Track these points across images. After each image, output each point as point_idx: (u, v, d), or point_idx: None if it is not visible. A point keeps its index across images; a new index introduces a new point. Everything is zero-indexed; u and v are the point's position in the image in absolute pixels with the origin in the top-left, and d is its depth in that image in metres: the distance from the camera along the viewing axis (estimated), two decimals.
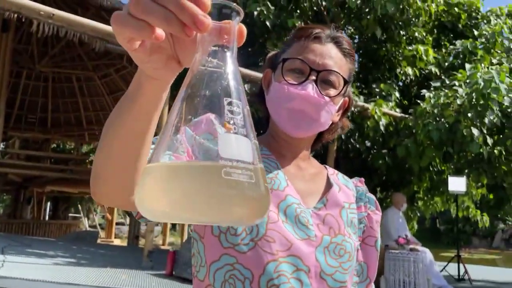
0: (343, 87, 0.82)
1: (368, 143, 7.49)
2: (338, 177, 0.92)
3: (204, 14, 0.35)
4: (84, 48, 10.56)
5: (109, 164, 0.53)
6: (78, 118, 13.64)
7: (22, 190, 12.29)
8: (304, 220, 0.78)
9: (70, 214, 19.69)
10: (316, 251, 0.76)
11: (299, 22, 6.64)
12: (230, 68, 0.38)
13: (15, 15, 6.01)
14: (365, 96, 7.05)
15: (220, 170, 0.33)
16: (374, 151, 7.73)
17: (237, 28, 0.39)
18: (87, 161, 12.18)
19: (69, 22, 4.99)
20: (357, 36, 8.26)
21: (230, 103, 0.36)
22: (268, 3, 6.20)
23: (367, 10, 6.69)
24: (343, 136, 6.68)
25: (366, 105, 6.73)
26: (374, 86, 7.23)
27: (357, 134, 7.11)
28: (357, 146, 7.39)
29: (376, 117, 6.57)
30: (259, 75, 5.51)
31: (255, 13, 6.07)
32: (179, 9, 0.35)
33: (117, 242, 14.51)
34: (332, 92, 0.80)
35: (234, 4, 0.38)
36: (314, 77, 0.79)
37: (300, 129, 0.81)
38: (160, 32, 0.37)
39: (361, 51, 8.17)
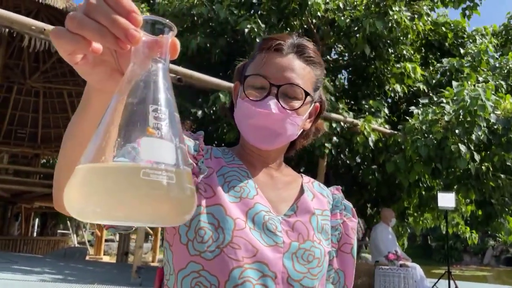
0: (305, 98, 0.81)
1: (358, 159, 7.55)
2: (313, 185, 0.93)
3: (135, 28, 0.38)
4: None
5: (65, 172, 0.54)
6: None
7: (10, 206, 12.11)
8: (272, 227, 0.79)
9: (59, 231, 19.38)
10: (283, 257, 0.77)
11: None
12: (160, 78, 0.40)
13: (7, 30, 6.02)
14: (355, 112, 7.13)
15: (139, 171, 0.35)
16: (364, 166, 7.79)
17: (170, 41, 0.41)
18: None
19: None
20: (346, 54, 8.40)
21: (155, 110, 0.38)
22: (259, 21, 6.30)
23: (356, 28, 6.82)
24: (333, 152, 6.72)
25: (355, 121, 6.81)
26: (363, 102, 7.32)
27: (347, 150, 7.16)
28: (347, 162, 7.43)
29: (365, 133, 6.64)
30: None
31: (246, 30, 6.16)
32: (111, 24, 0.38)
33: (106, 259, 14.27)
34: (296, 103, 0.81)
35: (167, 20, 0.41)
36: (275, 91, 0.79)
37: (266, 143, 0.83)
38: (97, 45, 0.40)
39: (350, 68, 8.30)
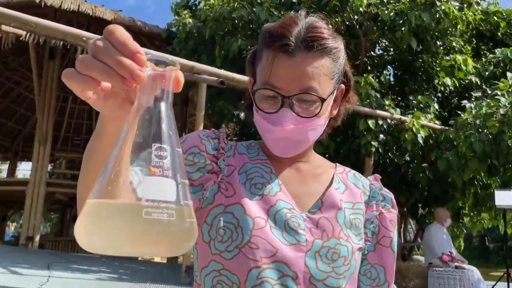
0: (328, 96, 0.75)
1: (407, 157, 7.29)
2: (347, 176, 0.88)
3: (140, 68, 0.40)
4: None
5: (83, 192, 0.57)
6: None
7: (68, 209, 12.83)
8: (293, 224, 0.76)
9: None
10: (305, 256, 0.74)
11: None
12: (164, 113, 0.42)
13: (61, 43, 6.40)
14: (402, 109, 6.90)
15: (141, 210, 0.38)
16: (414, 164, 7.51)
17: (173, 76, 0.43)
18: None
19: None
20: (391, 49, 8.15)
21: (158, 148, 0.40)
22: None
23: (400, 22, 6.60)
24: (380, 150, 6.54)
25: (403, 117, 6.59)
26: (411, 98, 7.07)
27: (394, 148, 6.95)
28: (396, 160, 7.20)
29: (414, 129, 6.40)
30: None
31: None
32: (117, 65, 0.40)
33: (157, 259, 14.74)
34: (314, 107, 0.75)
35: (170, 58, 0.43)
36: (288, 101, 0.74)
37: (289, 153, 0.79)
38: (105, 84, 0.43)
39: (396, 63, 8.04)
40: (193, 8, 8.30)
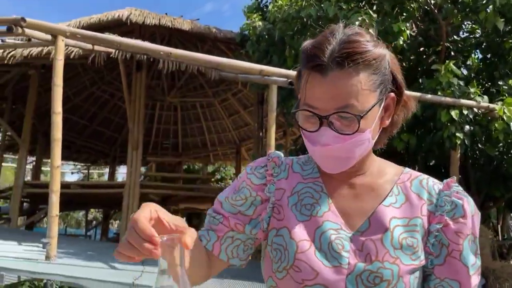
0: (368, 110, 0.73)
1: (500, 148, 6.68)
2: (411, 184, 0.82)
3: (154, 247, 0.57)
4: (204, 77, 11.60)
5: None
6: (203, 141, 14.92)
7: None
8: (337, 247, 0.76)
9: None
10: (346, 280, 0.74)
11: (407, 25, 6.34)
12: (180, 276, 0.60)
13: (145, 56, 6.96)
14: (491, 96, 6.33)
15: None
16: (509, 155, 6.85)
17: (182, 239, 0.60)
18: (212, 180, 13.22)
19: (185, 58, 5.61)
20: (478, 31, 7.49)
21: None
22: (370, 11, 6.06)
23: (484, 2, 6.06)
24: (466, 142, 6.07)
25: (491, 105, 6.05)
26: (501, 83, 6.45)
27: (483, 138, 6.39)
28: (487, 151, 6.63)
29: (505, 117, 5.85)
30: None
31: (357, 23, 6.00)
32: (140, 247, 0.58)
33: None
34: (354, 124, 0.73)
35: (174, 237, 0.60)
36: (326, 121, 0.74)
37: (335, 170, 0.79)
38: (138, 257, 0.60)
39: (483, 46, 7.38)
40: (264, 9, 8.45)
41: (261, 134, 9.49)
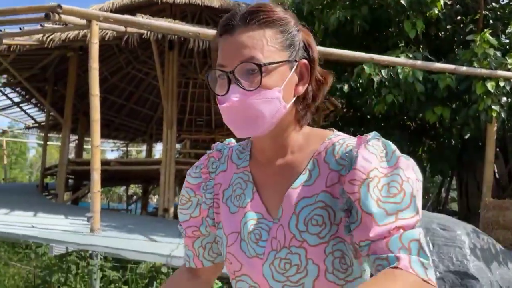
0: (262, 68, 0.71)
1: None
2: (326, 153, 0.77)
3: None
4: None
5: None
6: None
7: None
8: (254, 237, 0.78)
9: None
10: (263, 268, 0.76)
11: None
12: None
13: (176, 36, 7.09)
14: None
15: None
16: None
17: None
18: None
19: (213, 37, 5.69)
20: None
21: None
22: None
23: None
24: (503, 114, 5.87)
25: None
26: None
27: None
28: None
29: None
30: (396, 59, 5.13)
31: None
32: None
33: None
34: (263, 79, 0.72)
35: None
36: (233, 77, 0.73)
37: (247, 132, 0.75)
38: None
39: None
40: None
41: None
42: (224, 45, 0.75)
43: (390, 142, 0.74)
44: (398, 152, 0.72)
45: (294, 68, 0.76)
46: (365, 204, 0.67)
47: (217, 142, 0.92)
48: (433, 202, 11.13)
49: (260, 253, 0.77)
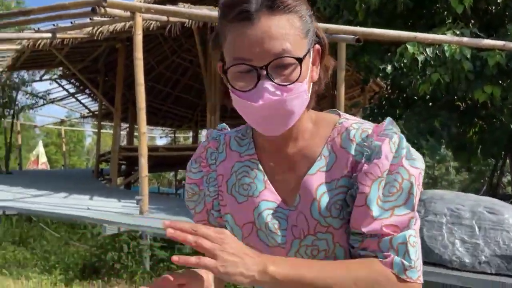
0: (304, 56, 0.68)
1: None
2: (341, 138, 0.76)
3: None
4: None
5: None
6: None
7: None
8: (273, 226, 0.75)
9: None
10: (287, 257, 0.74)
11: None
12: None
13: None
14: None
15: None
16: None
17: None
18: None
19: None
20: None
21: None
22: None
23: None
24: None
25: None
26: None
27: None
28: None
29: None
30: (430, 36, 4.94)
31: None
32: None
33: None
34: (294, 72, 0.69)
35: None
36: (264, 72, 0.67)
37: (277, 130, 0.72)
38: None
39: None
40: None
41: (335, 92, 9.37)
42: (244, 35, 0.67)
43: (403, 137, 0.74)
44: (405, 148, 0.73)
45: (311, 54, 0.73)
46: (369, 200, 0.70)
47: (210, 129, 0.89)
48: (487, 185, 10.64)
49: (282, 242, 0.75)
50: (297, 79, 0.69)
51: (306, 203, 0.74)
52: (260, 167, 0.79)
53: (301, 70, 0.69)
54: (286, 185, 0.77)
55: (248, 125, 0.81)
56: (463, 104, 7.48)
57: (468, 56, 5.55)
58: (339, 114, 0.80)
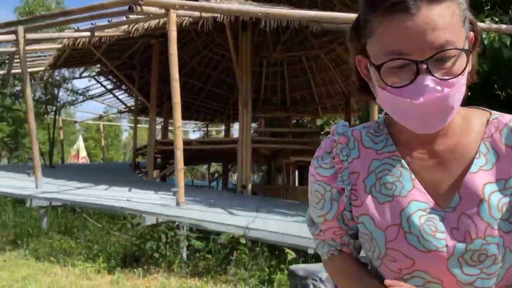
0: (471, 48, 0.65)
1: None
2: (501, 135, 0.70)
3: None
4: (308, 30, 11.51)
5: None
6: (311, 94, 15.02)
7: (272, 161, 14.61)
8: (430, 229, 0.68)
9: None
10: (448, 264, 0.67)
11: None
12: None
13: (248, 17, 7.26)
14: None
15: None
16: None
17: None
18: (321, 133, 13.43)
19: (282, 16, 5.76)
20: None
21: None
22: None
23: None
24: None
25: None
26: None
27: None
28: None
29: None
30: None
31: None
32: None
33: None
34: (457, 64, 0.63)
35: None
36: (424, 66, 0.62)
37: (435, 127, 0.67)
38: None
39: None
40: None
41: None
42: (402, 27, 0.62)
43: None
44: None
45: (467, 44, 0.67)
46: None
47: (334, 125, 0.82)
48: None
49: (441, 246, 0.67)
50: (461, 72, 0.64)
51: (471, 204, 0.68)
52: (405, 164, 0.73)
53: (467, 62, 0.65)
54: (437, 184, 0.71)
55: (378, 125, 0.78)
56: (503, 93, 7.20)
57: (508, 43, 5.35)
58: (485, 110, 0.76)
